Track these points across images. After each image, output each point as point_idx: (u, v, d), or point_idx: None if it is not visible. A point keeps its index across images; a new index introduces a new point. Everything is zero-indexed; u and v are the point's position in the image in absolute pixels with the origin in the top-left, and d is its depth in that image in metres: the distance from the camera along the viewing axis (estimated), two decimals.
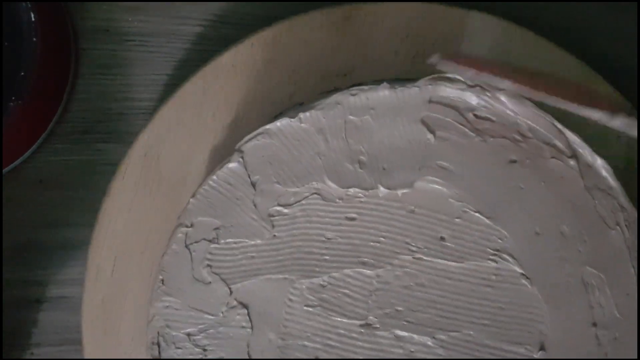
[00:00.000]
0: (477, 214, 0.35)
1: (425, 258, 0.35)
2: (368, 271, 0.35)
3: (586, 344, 0.35)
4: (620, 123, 0.33)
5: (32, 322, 0.42)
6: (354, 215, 0.35)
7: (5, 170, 0.41)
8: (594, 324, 0.35)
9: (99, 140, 0.42)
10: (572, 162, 0.34)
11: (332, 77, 0.39)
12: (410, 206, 0.35)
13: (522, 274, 0.35)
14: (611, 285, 0.34)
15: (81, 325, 0.39)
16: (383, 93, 0.34)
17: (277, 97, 0.39)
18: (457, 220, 0.35)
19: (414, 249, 0.35)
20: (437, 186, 0.35)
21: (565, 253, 0.35)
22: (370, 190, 0.35)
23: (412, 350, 0.35)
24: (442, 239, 0.35)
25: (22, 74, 0.37)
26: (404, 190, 0.35)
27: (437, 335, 0.35)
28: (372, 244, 0.35)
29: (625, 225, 0.34)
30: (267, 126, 0.34)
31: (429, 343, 0.35)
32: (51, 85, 0.40)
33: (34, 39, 0.37)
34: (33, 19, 0.36)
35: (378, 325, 0.35)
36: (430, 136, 0.34)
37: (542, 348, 0.35)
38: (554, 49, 0.40)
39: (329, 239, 0.35)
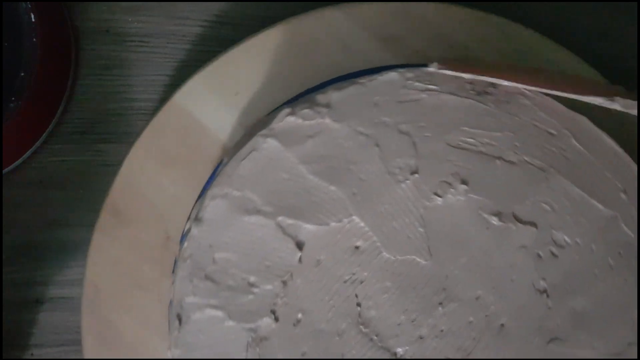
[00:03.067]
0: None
1: (371, 278, 0.35)
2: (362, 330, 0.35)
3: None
4: (619, 105, 0.34)
5: (32, 323, 0.42)
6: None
7: (5, 170, 0.41)
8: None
9: (99, 141, 0.42)
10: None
11: None
12: (317, 258, 0.35)
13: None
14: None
15: (81, 325, 0.39)
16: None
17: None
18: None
19: (357, 274, 0.35)
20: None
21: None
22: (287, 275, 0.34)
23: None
24: (357, 248, 0.35)
25: (22, 74, 0.37)
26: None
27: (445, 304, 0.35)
28: (329, 302, 0.35)
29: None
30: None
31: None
32: (51, 86, 0.40)
33: (34, 40, 0.37)
34: (33, 20, 0.37)
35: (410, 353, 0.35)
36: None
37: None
38: (558, 48, 0.40)
39: (299, 320, 0.35)
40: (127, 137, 0.42)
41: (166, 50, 0.43)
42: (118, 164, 0.40)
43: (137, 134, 0.39)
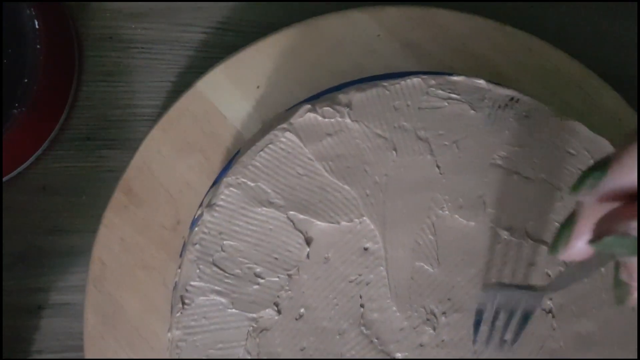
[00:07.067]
0: None
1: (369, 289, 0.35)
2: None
3: None
4: None
5: (34, 329, 0.42)
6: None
7: (8, 176, 0.41)
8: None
9: (102, 147, 0.43)
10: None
11: None
12: (326, 255, 0.35)
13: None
14: None
15: (83, 332, 0.39)
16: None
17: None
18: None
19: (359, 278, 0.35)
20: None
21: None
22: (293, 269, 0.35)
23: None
24: (366, 249, 0.35)
25: (26, 81, 0.37)
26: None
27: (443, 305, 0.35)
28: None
29: None
30: None
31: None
32: (54, 92, 0.40)
33: (38, 46, 0.37)
34: (37, 27, 0.37)
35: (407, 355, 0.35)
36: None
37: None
38: (559, 53, 0.41)
39: (301, 315, 0.35)
40: (130, 144, 0.42)
41: (169, 57, 0.43)
42: (121, 170, 0.40)
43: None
